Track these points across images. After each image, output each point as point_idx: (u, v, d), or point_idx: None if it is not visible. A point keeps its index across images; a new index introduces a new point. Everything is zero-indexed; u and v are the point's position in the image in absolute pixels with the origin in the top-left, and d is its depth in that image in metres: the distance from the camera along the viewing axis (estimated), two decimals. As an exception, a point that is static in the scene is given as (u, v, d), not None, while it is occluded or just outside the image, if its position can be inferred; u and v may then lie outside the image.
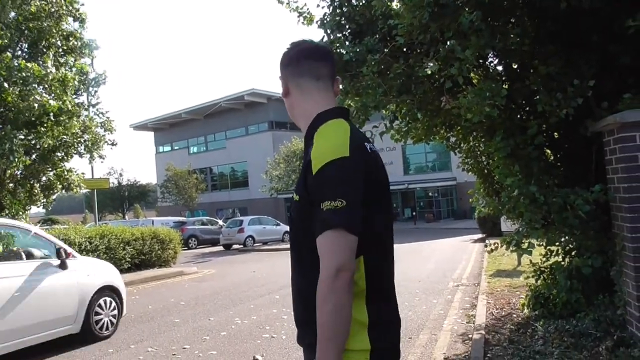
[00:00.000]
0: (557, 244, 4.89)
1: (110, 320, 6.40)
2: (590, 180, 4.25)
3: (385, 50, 4.31)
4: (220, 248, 23.84)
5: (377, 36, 4.51)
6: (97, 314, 6.20)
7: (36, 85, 9.81)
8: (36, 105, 9.68)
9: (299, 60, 1.56)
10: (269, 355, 5.14)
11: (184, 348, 5.61)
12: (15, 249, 5.93)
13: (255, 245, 23.01)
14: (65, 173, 11.44)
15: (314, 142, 1.41)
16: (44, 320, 5.43)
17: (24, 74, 9.46)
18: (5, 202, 10.23)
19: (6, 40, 9.89)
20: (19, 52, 10.87)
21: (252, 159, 43.37)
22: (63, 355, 5.60)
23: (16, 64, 9.54)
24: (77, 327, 5.91)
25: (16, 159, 9.36)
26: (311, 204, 1.34)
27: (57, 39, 10.96)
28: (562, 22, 4.06)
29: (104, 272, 6.62)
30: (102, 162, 13.78)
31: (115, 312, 6.51)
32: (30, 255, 5.75)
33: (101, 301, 6.28)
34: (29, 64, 9.65)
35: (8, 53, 10.22)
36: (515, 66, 4.55)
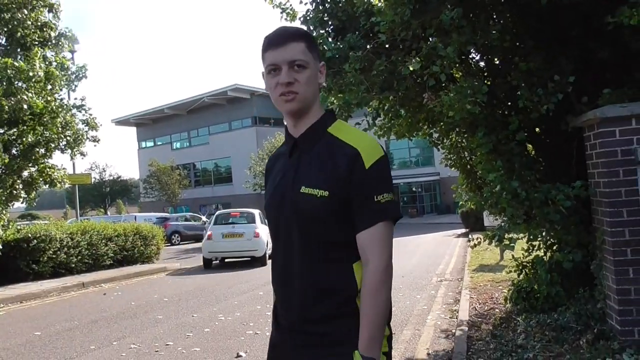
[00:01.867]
0: (538, 238, 4.96)
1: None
2: (572, 175, 4.30)
3: (367, 47, 4.30)
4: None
5: (360, 33, 4.50)
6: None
7: (21, 84, 9.61)
8: (25, 105, 9.51)
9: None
10: (252, 351, 5.12)
11: (167, 345, 5.56)
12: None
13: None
14: (48, 169, 11.26)
15: (339, 138, 1.42)
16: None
17: (9, 71, 9.26)
18: None
19: None
20: (-4, 46, 10.65)
21: (235, 154, 43.10)
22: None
23: (1, 61, 9.34)
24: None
25: None
26: (348, 198, 1.36)
27: (33, 30, 10.73)
28: (543, 18, 4.10)
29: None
30: (82, 158, 13.63)
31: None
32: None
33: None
34: (16, 63, 9.45)
35: None
36: (497, 62, 4.58)
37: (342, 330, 1.37)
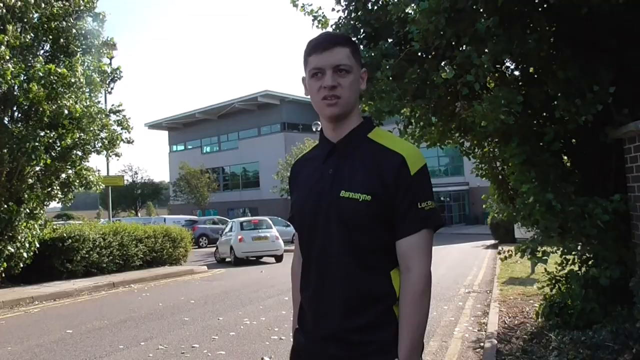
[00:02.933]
0: (573, 252, 4.81)
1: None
2: (609, 188, 4.16)
3: (400, 54, 4.26)
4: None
5: (392, 40, 4.47)
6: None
7: (65, 88, 9.97)
8: (66, 111, 9.87)
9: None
10: (277, 356, 5.11)
11: (193, 347, 5.62)
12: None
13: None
14: (84, 172, 11.58)
15: (383, 144, 1.42)
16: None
17: (52, 77, 9.62)
18: (23, 196, 10.39)
19: (28, 40, 10.05)
20: (41, 52, 11.05)
21: (263, 159, 43.43)
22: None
23: (45, 67, 9.70)
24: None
25: (37, 158, 9.53)
26: (389, 204, 1.35)
27: (77, 38, 11.10)
28: (582, 27, 3.99)
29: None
30: (117, 160, 13.99)
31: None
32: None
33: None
34: (59, 69, 9.80)
35: (39, 55, 10.40)
36: (532, 71, 4.48)
37: (382, 339, 1.35)
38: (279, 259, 15.95)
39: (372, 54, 4.36)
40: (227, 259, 16.53)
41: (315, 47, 1.44)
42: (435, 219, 1.38)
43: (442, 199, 39.60)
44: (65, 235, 11.63)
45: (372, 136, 1.45)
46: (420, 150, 1.46)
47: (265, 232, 16.16)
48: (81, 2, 11.05)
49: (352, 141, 1.46)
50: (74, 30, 10.96)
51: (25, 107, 10.07)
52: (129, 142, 12.79)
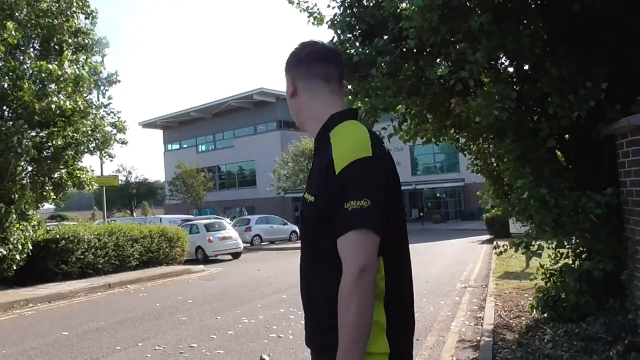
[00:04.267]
0: (567, 246, 4.85)
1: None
2: (602, 183, 4.21)
3: (395, 51, 4.28)
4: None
5: (388, 37, 4.48)
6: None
7: (53, 86, 9.90)
8: (53, 106, 9.78)
9: (310, 61, 1.53)
10: (276, 355, 5.14)
11: (191, 346, 5.63)
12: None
13: (262, 244, 23.06)
14: (77, 172, 11.52)
15: (331, 142, 1.38)
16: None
17: (43, 74, 9.55)
18: (14, 197, 10.31)
19: (19, 37, 9.96)
20: (31, 50, 10.96)
21: (260, 158, 43.40)
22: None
23: (31, 63, 9.63)
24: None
25: (25, 152, 9.40)
26: (328, 205, 1.33)
27: (68, 36, 11.02)
28: (575, 24, 4.02)
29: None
30: (111, 160, 13.95)
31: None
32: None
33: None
34: (50, 65, 9.73)
35: (30, 52, 10.32)
36: (527, 67, 4.51)
37: (329, 339, 1.33)
38: (237, 256, 17.99)
39: (367, 51, 4.37)
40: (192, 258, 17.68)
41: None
42: (362, 218, 1.27)
43: (438, 195, 39.73)
44: (59, 236, 11.56)
45: (331, 134, 1.44)
46: (362, 145, 1.35)
47: (228, 232, 18.22)
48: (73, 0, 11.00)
49: (318, 142, 1.50)
50: (65, 28, 10.87)
51: (15, 106, 9.98)
52: (123, 143, 12.77)
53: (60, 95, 10.06)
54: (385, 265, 1.35)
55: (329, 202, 1.32)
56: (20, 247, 10.31)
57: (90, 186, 11.92)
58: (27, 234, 10.54)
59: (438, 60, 4.02)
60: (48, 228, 12.39)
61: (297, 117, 1.59)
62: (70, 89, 10.38)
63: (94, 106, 11.72)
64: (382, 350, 1.31)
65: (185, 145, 52.01)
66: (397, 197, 1.43)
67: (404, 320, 1.42)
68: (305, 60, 1.54)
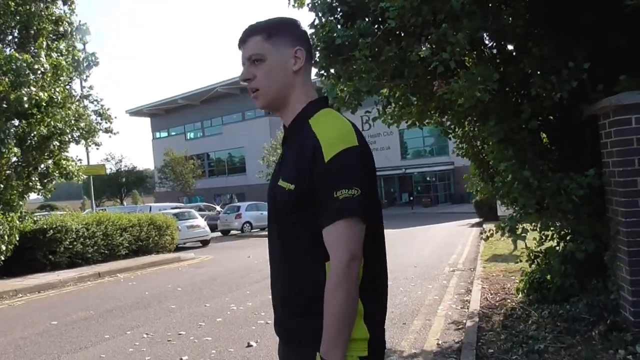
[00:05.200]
0: (551, 229, 4.88)
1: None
2: (585, 164, 4.21)
3: (377, 33, 4.22)
4: (218, 234, 23.89)
5: (369, 19, 4.41)
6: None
7: (30, 74, 9.67)
8: (25, 97, 9.56)
9: (309, 40, 1.49)
10: (263, 341, 5.15)
11: (180, 334, 5.62)
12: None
13: (252, 231, 23.08)
14: (63, 162, 11.39)
15: (313, 129, 1.35)
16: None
17: (16, 64, 9.33)
18: (0, 187, 10.17)
19: None
20: (10, 38, 10.72)
21: (249, 144, 43.23)
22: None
23: (7, 53, 9.40)
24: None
25: (7, 150, 9.29)
26: (310, 192, 1.30)
27: (47, 24, 10.79)
28: (554, 3, 3.98)
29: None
30: (97, 149, 13.87)
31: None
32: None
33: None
34: (20, 55, 9.51)
35: (7, 41, 10.09)
36: (510, 48, 4.48)
37: (310, 329, 1.33)
38: (205, 243, 18.64)
39: (350, 33, 4.30)
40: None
41: (238, 45, 1.47)
42: (351, 208, 1.27)
43: (427, 178, 39.90)
44: (46, 226, 11.48)
45: (311, 120, 1.40)
46: (349, 132, 1.33)
47: (196, 221, 18.69)
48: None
49: (295, 128, 1.44)
50: (44, 15, 10.63)
51: None
52: (110, 132, 12.63)
53: (34, 86, 9.80)
54: (364, 253, 1.34)
55: (312, 191, 1.30)
56: (6, 237, 10.23)
57: (78, 177, 11.78)
58: (13, 224, 10.45)
59: (420, 41, 3.96)
60: (35, 218, 12.28)
61: (284, 94, 1.44)
62: (49, 78, 10.16)
63: (75, 96, 11.51)
64: (363, 335, 1.32)
65: (173, 133, 51.65)
66: (375, 184, 1.43)
67: (381, 307, 1.43)
68: (308, 39, 1.48)
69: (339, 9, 4.69)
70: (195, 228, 18.34)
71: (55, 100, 10.24)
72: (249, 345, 5.02)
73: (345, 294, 1.25)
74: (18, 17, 10.38)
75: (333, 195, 1.27)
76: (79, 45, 12.16)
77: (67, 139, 11.15)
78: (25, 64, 9.38)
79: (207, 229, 19.09)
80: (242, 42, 1.44)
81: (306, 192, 1.31)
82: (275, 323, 1.51)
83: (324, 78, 4.76)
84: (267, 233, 1.55)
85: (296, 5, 5.07)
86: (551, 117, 4.72)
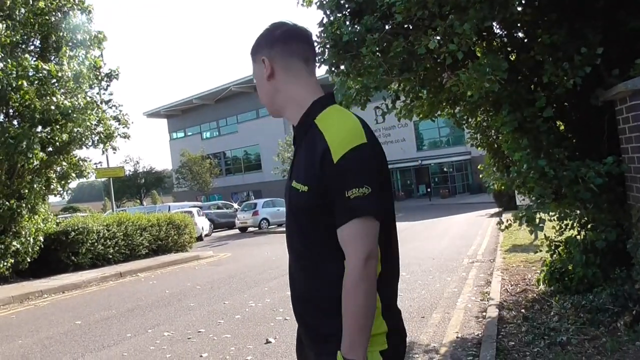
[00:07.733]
0: (570, 218, 4.78)
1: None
2: (603, 151, 4.12)
3: (385, 28, 4.17)
4: (236, 231, 24.08)
5: (377, 14, 4.36)
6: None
7: (56, 83, 9.95)
8: (53, 107, 9.86)
9: (286, 40, 1.47)
10: (281, 337, 5.17)
11: (199, 332, 5.68)
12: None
13: (270, 227, 23.21)
14: (80, 163, 11.69)
15: (320, 130, 1.35)
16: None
17: (41, 74, 9.58)
18: (24, 192, 10.47)
19: (18, 37, 9.96)
20: (32, 48, 10.98)
21: (264, 141, 43.36)
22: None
23: (32, 63, 9.66)
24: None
25: (34, 156, 9.57)
26: (324, 193, 1.31)
27: (66, 33, 11.03)
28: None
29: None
30: (114, 153, 14.27)
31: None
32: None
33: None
34: (46, 65, 9.76)
35: (27, 55, 10.33)
36: (521, 36, 4.39)
37: (331, 327, 1.34)
38: (199, 239, 19.78)
39: (357, 30, 4.27)
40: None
41: None
42: (363, 207, 1.27)
43: (445, 169, 39.56)
44: (69, 228, 11.71)
45: (317, 120, 1.41)
46: (357, 130, 1.33)
47: (193, 219, 19.52)
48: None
49: (302, 128, 1.45)
50: (62, 25, 10.87)
51: (17, 105, 10.06)
52: (126, 137, 12.96)
53: (59, 94, 10.11)
54: (380, 249, 1.35)
55: (326, 191, 1.31)
56: (32, 240, 10.57)
57: (90, 174, 12.14)
58: (38, 226, 10.77)
59: (427, 34, 3.90)
60: (58, 220, 12.54)
61: (274, 101, 1.51)
62: (71, 85, 10.43)
63: (96, 103, 11.84)
64: (381, 329, 1.34)
65: (189, 133, 52.06)
66: (388, 181, 1.43)
67: (395, 300, 1.45)
68: (281, 40, 1.47)
69: (346, 6, 4.64)
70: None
71: (78, 107, 10.50)
72: (268, 342, 5.04)
73: (364, 292, 1.27)
74: (38, 28, 10.63)
75: (345, 195, 1.28)
76: (97, 52, 12.48)
77: (86, 143, 11.46)
78: (47, 73, 9.64)
79: (201, 226, 21.08)
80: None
81: (319, 193, 1.32)
82: (297, 321, 1.52)
83: (334, 75, 4.74)
84: (284, 229, 1.57)
85: (305, 4, 5.04)
86: (566, 104, 4.62)
